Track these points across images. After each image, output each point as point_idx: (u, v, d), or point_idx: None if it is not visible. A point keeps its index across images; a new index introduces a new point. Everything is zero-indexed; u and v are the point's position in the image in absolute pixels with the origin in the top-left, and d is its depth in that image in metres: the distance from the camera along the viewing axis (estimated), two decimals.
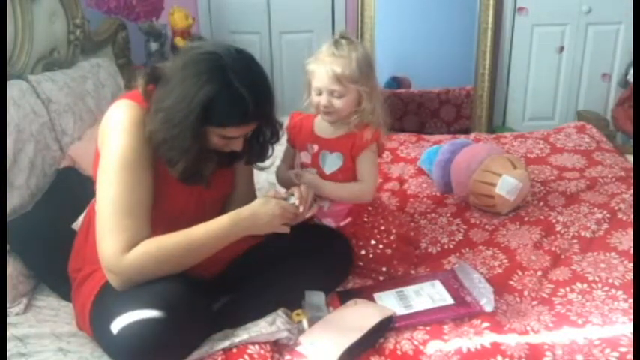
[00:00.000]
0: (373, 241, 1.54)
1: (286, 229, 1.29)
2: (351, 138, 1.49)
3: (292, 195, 1.32)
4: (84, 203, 1.46)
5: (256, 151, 1.37)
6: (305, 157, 1.54)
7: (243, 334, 1.21)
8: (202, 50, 1.20)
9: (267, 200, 1.26)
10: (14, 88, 1.62)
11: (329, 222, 1.56)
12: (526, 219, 1.77)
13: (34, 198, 1.58)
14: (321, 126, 1.53)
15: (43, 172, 1.65)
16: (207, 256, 1.24)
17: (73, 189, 1.61)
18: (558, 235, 1.65)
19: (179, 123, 1.15)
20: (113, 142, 1.19)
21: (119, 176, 1.17)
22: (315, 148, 1.52)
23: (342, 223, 1.57)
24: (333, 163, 1.51)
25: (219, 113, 1.17)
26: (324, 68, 1.41)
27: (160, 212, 1.25)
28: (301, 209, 1.31)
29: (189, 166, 1.20)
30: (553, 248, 1.59)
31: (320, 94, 1.44)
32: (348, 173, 1.52)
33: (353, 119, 1.47)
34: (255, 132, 1.30)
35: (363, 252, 1.54)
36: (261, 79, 1.23)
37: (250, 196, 1.52)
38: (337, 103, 1.43)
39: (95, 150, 1.28)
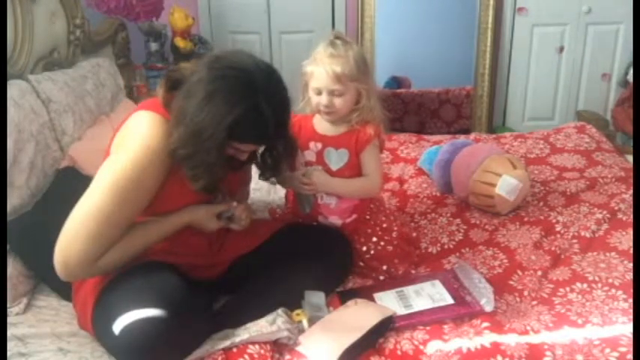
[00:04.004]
0: (374, 239, 1.55)
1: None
2: (354, 134, 1.50)
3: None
4: None
5: (270, 165, 1.38)
6: (309, 156, 1.55)
7: (243, 334, 1.21)
8: (233, 65, 1.17)
9: (212, 218, 1.34)
10: (14, 88, 1.62)
11: (335, 219, 1.57)
12: (526, 219, 1.77)
13: (34, 198, 1.58)
14: (322, 124, 1.54)
15: (43, 172, 1.65)
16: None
17: (73, 189, 1.59)
18: (558, 235, 1.66)
19: (206, 141, 1.13)
20: (126, 154, 1.16)
21: (117, 191, 1.14)
22: (319, 145, 1.53)
23: (348, 220, 1.58)
24: (339, 159, 1.52)
25: (243, 132, 1.17)
26: (323, 69, 1.42)
27: (164, 212, 1.26)
28: (236, 227, 1.39)
29: (212, 180, 1.21)
30: (553, 248, 1.59)
31: (319, 94, 1.45)
32: (354, 169, 1.53)
33: (354, 117, 1.49)
34: (268, 147, 1.32)
35: (364, 249, 1.54)
36: (286, 100, 1.23)
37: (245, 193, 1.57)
38: (338, 102, 1.45)
39: (105, 152, 1.27)
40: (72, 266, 1.14)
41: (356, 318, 1.27)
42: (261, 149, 1.35)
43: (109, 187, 1.15)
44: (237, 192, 1.46)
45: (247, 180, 1.55)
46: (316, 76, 1.44)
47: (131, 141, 1.18)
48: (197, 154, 1.15)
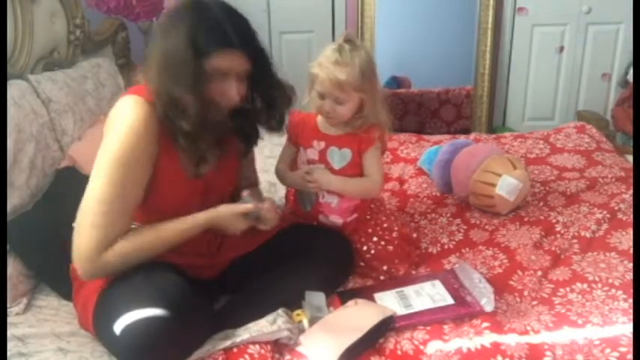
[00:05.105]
0: (375, 238, 1.55)
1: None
2: (358, 135, 1.50)
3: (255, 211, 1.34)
4: None
5: (264, 109, 1.36)
6: (312, 154, 1.55)
7: (244, 334, 1.21)
8: (180, 4, 1.25)
9: (239, 219, 1.31)
10: (14, 88, 1.62)
11: (335, 218, 1.57)
12: (526, 219, 1.77)
13: (34, 198, 1.58)
14: (326, 124, 1.54)
15: (43, 172, 1.65)
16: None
17: (73, 189, 1.60)
18: (558, 235, 1.66)
19: (174, 65, 1.17)
20: (113, 138, 1.19)
21: (112, 174, 1.17)
22: (322, 144, 1.53)
23: (349, 219, 1.58)
24: (342, 158, 1.52)
25: (203, 42, 1.19)
26: (327, 75, 1.41)
27: (163, 205, 1.26)
28: (264, 227, 1.36)
29: (196, 124, 1.19)
30: (553, 248, 1.59)
31: (323, 98, 1.45)
32: (356, 168, 1.53)
33: (357, 123, 1.49)
34: (259, 90, 1.32)
35: (364, 248, 1.54)
36: (239, 13, 1.26)
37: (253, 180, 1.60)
38: (339, 109, 1.45)
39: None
40: (83, 258, 1.15)
41: (356, 318, 1.27)
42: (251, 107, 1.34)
43: (101, 176, 1.17)
44: (230, 185, 1.45)
45: (250, 166, 1.54)
46: (320, 81, 1.43)
47: (116, 126, 1.20)
48: (171, 86, 1.17)
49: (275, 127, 1.40)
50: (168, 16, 1.24)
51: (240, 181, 1.51)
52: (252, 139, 1.43)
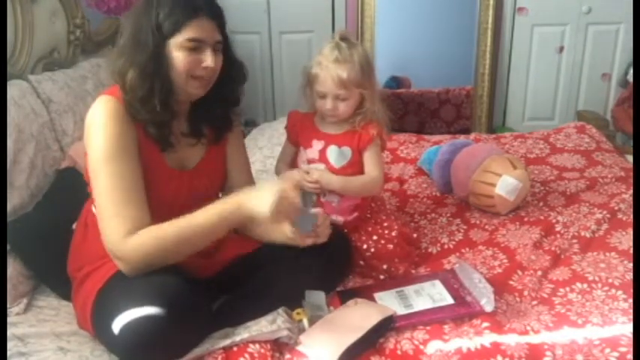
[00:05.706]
0: (375, 237, 1.55)
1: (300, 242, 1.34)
2: (357, 133, 1.51)
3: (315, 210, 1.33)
4: (84, 203, 1.46)
5: (228, 92, 1.39)
6: (311, 153, 1.55)
7: (243, 333, 1.21)
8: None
9: (274, 191, 1.21)
10: (14, 88, 1.62)
11: (337, 217, 1.57)
12: (526, 219, 1.77)
13: (34, 198, 1.58)
14: (325, 122, 1.54)
15: (43, 172, 1.65)
16: (211, 241, 1.27)
17: (73, 189, 1.60)
18: (558, 235, 1.66)
19: (139, 45, 1.22)
20: (95, 137, 1.22)
21: (107, 167, 1.20)
22: (322, 143, 1.53)
23: (349, 218, 1.58)
24: (341, 156, 1.52)
25: (168, 16, 1.22)
26: (328, 74, 1.42)
27: (153, 201, 1.26)
28: (319, 240, 1.35)
29: (158, 111, 1.23)
30: (553, 248, 1.59)
31: (324, 97, 1.45)
32: (356, 167, 1.53)
33: (357, 120, 1.50)
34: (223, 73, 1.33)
35: (364, 247, 1.55)
36: None
37: (249, 185, 1.52)
38: (341, 106, 1.46)
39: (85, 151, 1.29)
40: (113, 250, 1.19)
41: (356, 318, 1.27)
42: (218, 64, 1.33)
43: (99, 173, 1.21)
44: (219, 175, 1.45)
45: (241, 173, 1.52)
46: (321, 81, 1.44)
47: (92, 129, 1.23)
48: (137, 65, 1.22)
49: (233, 103, 1.42)
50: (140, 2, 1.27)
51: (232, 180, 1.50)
52: (223, 123, 1.43)
